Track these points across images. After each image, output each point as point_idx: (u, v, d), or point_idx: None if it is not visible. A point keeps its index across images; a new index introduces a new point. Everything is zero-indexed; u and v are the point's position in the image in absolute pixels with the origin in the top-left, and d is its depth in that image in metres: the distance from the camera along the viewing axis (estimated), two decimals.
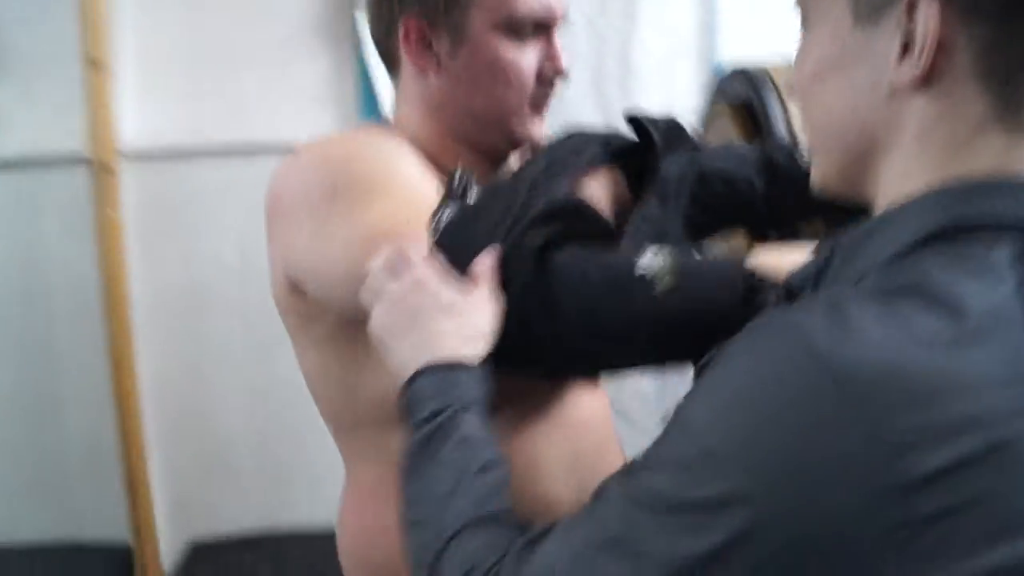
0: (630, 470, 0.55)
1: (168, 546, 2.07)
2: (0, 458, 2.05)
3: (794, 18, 0.61)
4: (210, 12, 1.99)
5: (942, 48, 0.52)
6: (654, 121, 0.97)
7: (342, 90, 2.03)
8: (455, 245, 0.77)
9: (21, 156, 1.95)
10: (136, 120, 1.98)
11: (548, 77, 0.94)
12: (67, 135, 1.91)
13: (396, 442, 0.91)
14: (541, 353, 0.78)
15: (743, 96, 1.48)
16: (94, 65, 1.87)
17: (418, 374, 0.71)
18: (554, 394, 0.99)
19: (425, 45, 0.94)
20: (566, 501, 0.96)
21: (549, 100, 0.96)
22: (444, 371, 0.71)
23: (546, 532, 0.59)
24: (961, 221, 0.53)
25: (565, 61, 0.94)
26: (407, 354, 0.73)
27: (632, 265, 0.74)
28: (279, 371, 2.06)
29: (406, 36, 0.94)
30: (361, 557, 1.06)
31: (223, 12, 1.99)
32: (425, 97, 0.95)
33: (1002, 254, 0.51)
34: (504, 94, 0.93)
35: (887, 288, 0.51)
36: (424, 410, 0.70)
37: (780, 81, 1.41)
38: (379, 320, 0.74)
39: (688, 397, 0.55)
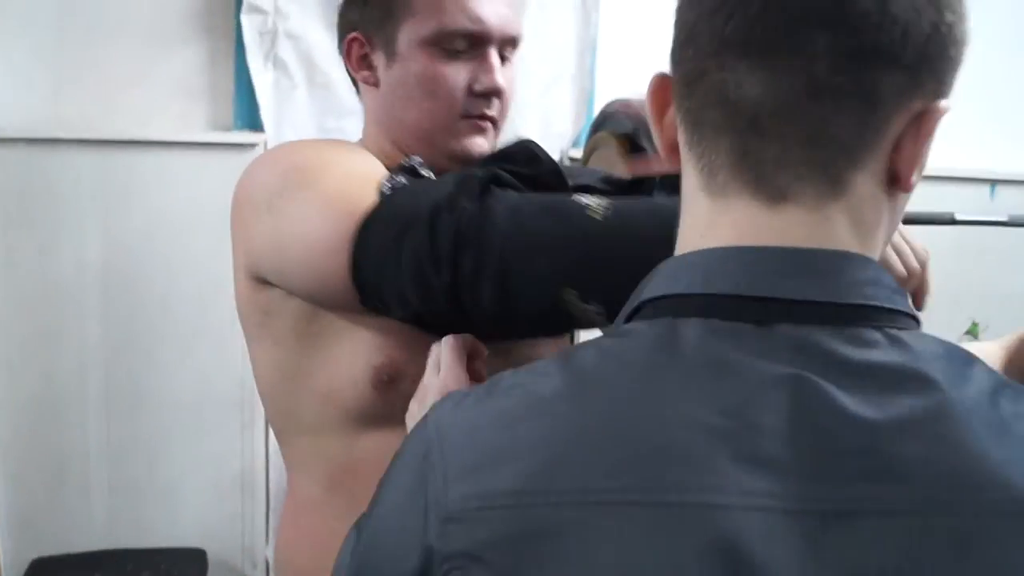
0: None
1: (10, 564, 1.92)
2: None
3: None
4: (84, 1, 1.89)
5: (673, 125, 0.57)
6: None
7: (217, 87, 1.96)
8: (405, 197, 0.82)
9: None
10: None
11: (480, 92, 0.95)
12: None
13: (333, 452, 0.98)
14: (485, 296, 0.79)
15: (626, 126, 1.52)
16: None
17: None
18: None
19: (365, 61, 0.98)
20: None
21: (490, 115, 0.96)
22: None
23: None
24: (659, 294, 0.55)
25: (501, 79, 0.95)
26: None
27: (570, 197, 0.80)
28: (136, 380, 1.97)
29: (348, 52, 0.99)
30: (292, 563, 1.07)
31: (98, 3, 1.89)
32: (373, 111, 1.00)
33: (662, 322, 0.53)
34: (432, 107, 0.95)
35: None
36: None
37: None
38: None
39: None
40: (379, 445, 0.92)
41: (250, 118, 1.92)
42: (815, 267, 0.52)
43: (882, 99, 0.51)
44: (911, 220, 0.89)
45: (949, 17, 0.51)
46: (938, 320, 0.79)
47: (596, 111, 1.69)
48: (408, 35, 0.94)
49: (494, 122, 0.98)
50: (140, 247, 1.94)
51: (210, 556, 1.99)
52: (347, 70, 1.01)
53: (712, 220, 0.55)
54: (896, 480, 0.47)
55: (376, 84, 0.98)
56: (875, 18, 0.49)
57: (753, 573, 0.45)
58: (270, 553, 1.99)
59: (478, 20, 0.94)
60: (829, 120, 0.51)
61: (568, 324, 0.85)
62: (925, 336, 0.53)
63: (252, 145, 1.91)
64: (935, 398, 0.49)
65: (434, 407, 0.57)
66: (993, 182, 2.43)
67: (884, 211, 0.54)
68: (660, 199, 0.80)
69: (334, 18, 1.88)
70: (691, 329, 0.51)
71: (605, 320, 0.77)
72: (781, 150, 0.52)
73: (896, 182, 0.53)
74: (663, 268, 0.56)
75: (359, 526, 0.62)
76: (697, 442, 0.48)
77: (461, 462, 0.52)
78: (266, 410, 1.05)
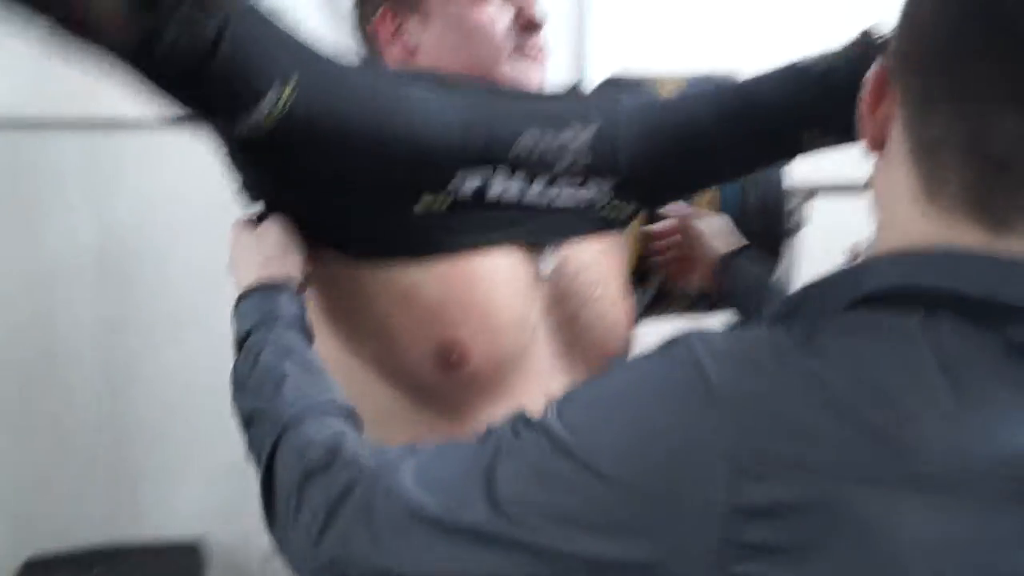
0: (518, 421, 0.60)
1: (3, 564, 1.89)
2: None
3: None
4: None
5: (888, 120, 0.57)
6: None
7: None
8: None
9: None
10: None
11: (524, 24, 0.96)
12: None
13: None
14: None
15: None
16: None
17: (238, 300, 0.87)
18: None
19: (398, 33, 0.98)
20: None
21: (535, 47, 0.97)
22: (255, 294, 0.86)
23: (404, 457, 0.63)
24: (889, 290, 0.55)
25: (537, 11, 0.96)
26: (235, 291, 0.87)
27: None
28: (134, 366, 1.93)
29: (378, 32, 0.99)
30: None
31: None
32: None
33: (911, 320, 0.53)
34: (478, 52, 0.94)
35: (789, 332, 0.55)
36: (243, 328, 0.84)
37: (666, 94, 1.42)
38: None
39: (577, 388, 0.60)
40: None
41: None
42: None
43: None
44: None
45: None
46: None
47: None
48: None
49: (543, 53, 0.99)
50: (131, 227, 1.89)
51: (209, 544, 1.96)
52: (374, 60, 1.00)
53: (930, 230, 0.55)
54: None
55: (415, 51, 0.97)
56: None
57: None
58: (268, 538, 1.96)
59: None
60: None
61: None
62: None
63: None
64: None
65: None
66: None
67: None
68: None
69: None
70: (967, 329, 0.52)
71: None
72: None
73: None
74: (883, 262, 0.57)
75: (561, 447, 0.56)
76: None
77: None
78: None
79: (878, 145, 0.60)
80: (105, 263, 1.89)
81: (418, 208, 0.86)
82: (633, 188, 0.97)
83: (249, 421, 0.77)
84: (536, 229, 0.92)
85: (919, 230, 0.56)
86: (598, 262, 0.98)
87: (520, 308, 0.91)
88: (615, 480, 0.52)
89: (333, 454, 0.66)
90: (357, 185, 0.84)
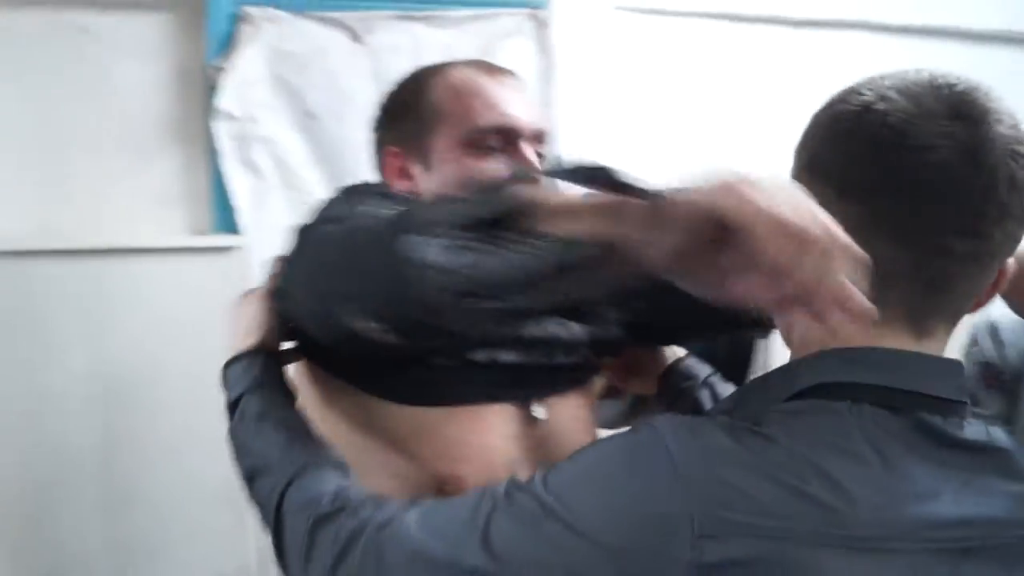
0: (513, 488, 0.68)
1: None
2: None
3: None
4: (58, 105, 1.94)
5: None
6: None
7: (194, 192, 2.01)
8: None
9: None
10: None
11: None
12: None
13: None
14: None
15: None
16: None
17: (224, 367, 0.97)
18: None
19: (404, 173, 1.02)
20: None
21: None
22: (240, 361, 0.95)
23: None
24: (822, 384, 0.66)
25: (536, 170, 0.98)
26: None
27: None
28: (132, 481, 1.98)
29: (387, 167, 1.04)
30: None
31: (71, 104, 1.94)
32: None
33: (843, 404, 0.65)
34: None
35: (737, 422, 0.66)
36: (234, 393, 0.93)
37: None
38: None
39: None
40: None
41: (227, 221, 1.97)
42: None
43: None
44: None
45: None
46: None
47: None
48: (442, 140, 0.99)
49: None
50: (126, 352, 1.96)
51: None
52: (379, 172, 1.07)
53: (865, 335, 0.67)
54: None
55: (417, 193, 1.01)
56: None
57: None
58: None
59: (507, 115, 0.99)
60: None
61: (360, 341, 0.77)
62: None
63: (230, 248, 1.95)
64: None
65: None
66: None
67: None
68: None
69: (304, 121, 1.97)
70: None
71: (394, 339, 0.73)
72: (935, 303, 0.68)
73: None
74: (818, 360, 0.68)
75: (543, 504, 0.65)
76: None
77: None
78: None
79: None
80: (101, 386, 1.95)
81: (437, 360, 0.93)
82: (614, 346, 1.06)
83: (252, 477, 0.86)
84: (537, 388, 0.99)
85: (853, 333, 0.66)
86: (579, 404, 1.05)
87: (514, 450, 0.97)
88: (595, 540, 0.61)
89: (340, 504, 0.76)
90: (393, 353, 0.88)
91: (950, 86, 0.66)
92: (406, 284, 0.65)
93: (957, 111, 0.64)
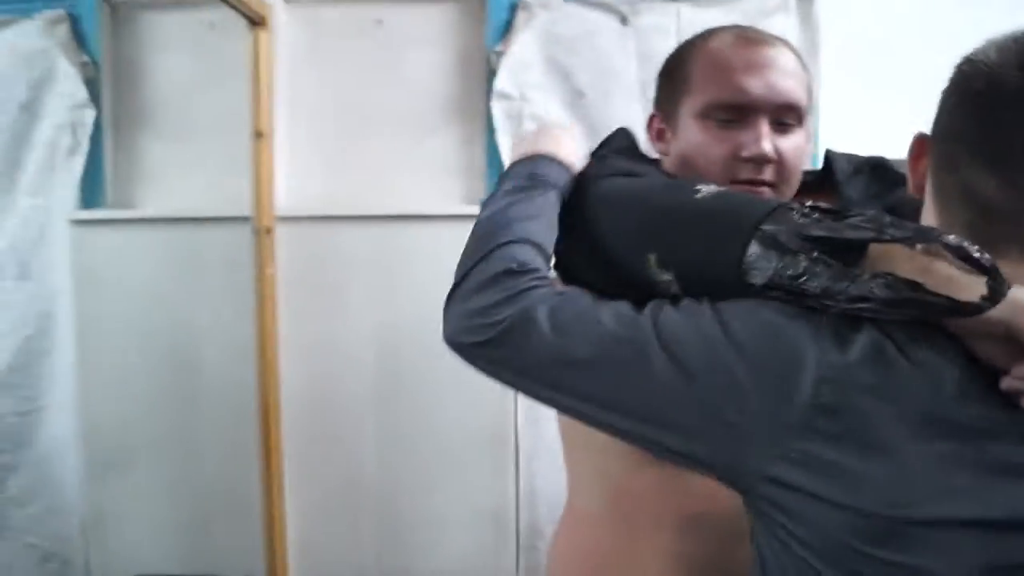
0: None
1: None
2: (153, 498, 2.24)
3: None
4: (355, 89, 2.21)
5: (923, 173, 0.81)
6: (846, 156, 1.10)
7: (472, 165, 2.21)
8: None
9: (188, 214, 2.19)
10: (289, 186, 2.20)
11: (746, 158, 1.01)
12: (229, 198, 2.14)
13: (616, 474, 1.08)
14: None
15: None
16: (259, 136, 2.10)
17: (541, 156, 1.01)
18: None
19: (660, 135, 1.10)
20: None
21: (761, 179, 1.02)
22: (556, 163, 1.01)
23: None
24: None
25: (768, 145, 1.01)
26: (532, 147, 1.04)
27: (690, 181, 0.92)
28: (403, 423, 2.23)
29: (649, 127, 1.12)
30: (562, 573, 1.18)
31: (366, 89, 2.20)
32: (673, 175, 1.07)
33: None
34: (707, 172, 1.02)
35: None
36: (524, 172, 1.00)
37: None
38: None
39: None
40: (660, 476, 1.02)
41: None
42: None
43: None
44: None
45: None
46: None
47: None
48: (686, 109, 1.04)
49: (771, 186, 1.03)
50: (409, 307, 2.19)
51: None
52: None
53: None
54: None
55: (668, 154, 1.09)
56: None
57: None
58: None
59: (743, 92, 1.01)
60: None
61: (647, 288, 0.87)
62: None
63: None
64: None
65: None
66: None
67: None
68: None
69: (573, 100, 2.11)
70: None
71: (678, 290, 0.84)
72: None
73: None
74: None
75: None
76: None
77: None
78: (559, 425, 1.17)
79: (919, 190, 0.81)
80: (384, 337, 2.21)
81: None
82: None
83: (487, 226, 0.97)
84: None
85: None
86: None
87: None
88: (744, 352, 0.76)
89: (533, 272, 0.90)
90: None
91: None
92: (736, 267, 0.78)
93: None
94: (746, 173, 1.01)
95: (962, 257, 0.70)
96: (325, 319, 2.22)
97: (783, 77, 1.03)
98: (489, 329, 0.88)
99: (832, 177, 1.08)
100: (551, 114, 2.11)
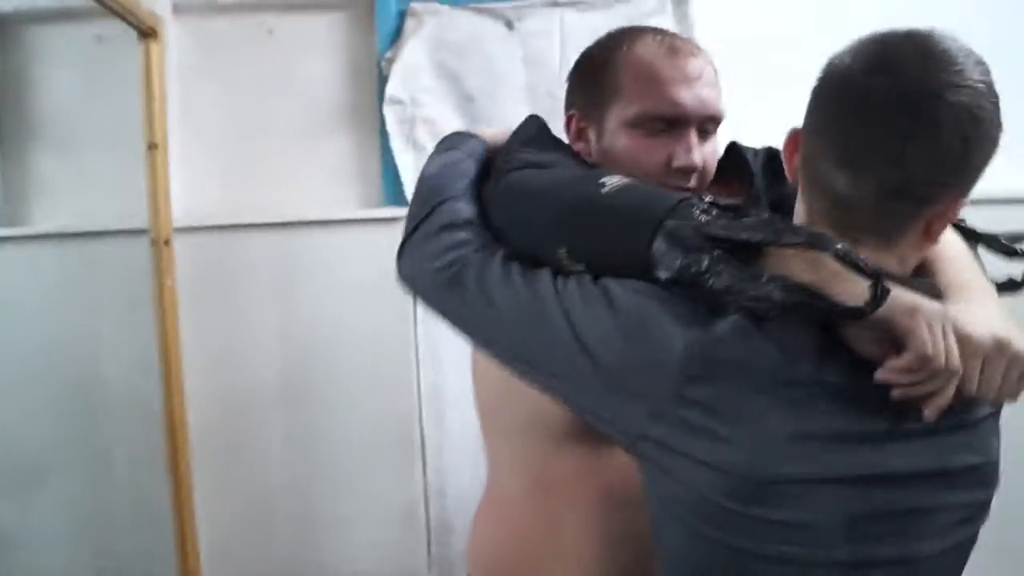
0: None
1: None
2: (62, 513, 2.23)
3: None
4: (248, 98, 2.23)
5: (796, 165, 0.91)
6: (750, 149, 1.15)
7: (366, 170, 2.25)
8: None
9: (82, 229, 2.19)
10: (184, 196, 2.20)
11: (676, 168, 1.04)
12: (124, 210, 2.15)
13: (536, 459, 1.12)
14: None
15: None
16: (152, 148, 2.10)
17: (465, 132, 1.19)
18: None
19: (582, 135, 1.11)
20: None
21: (688, 187, 1.05)
22: (476, 138, 1.18)
23: None
24: None
25: (698, 156, 1.05)
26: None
27: (596, 173, 0.97)
28: (311, 427, 2.26)
29: (567, 126, 1.13)
30: (485, 557, 1.22)
31: (260, 98, 2.23)
32: None
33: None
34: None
35: None
36: (452, 143, 1.18)
37: None
38: None
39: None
40: (580, 458, 1.07)
41: (395, 195, 2.20)
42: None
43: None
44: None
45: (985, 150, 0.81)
46: None
47: None
48: (615, 116, 1.06)
49: (694, 191, 1.05)
50: (309, 311, 2.23)
51: None
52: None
53: None
54: None
55: (590, 155, 1.10)
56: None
57: None
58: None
59: (676, 105, 1.03)
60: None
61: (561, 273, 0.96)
62: None
63: (399, 219, 2.16)
64: None
65: None
66: None
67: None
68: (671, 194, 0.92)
69: (462, 103, 2.16)
70: None
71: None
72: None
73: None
74: None
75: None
76: None
77: None
78: (479, 412, 1.20)
79: (794, 178, 0.90)
80: (288, 342, 2.24)
81: None
82: None
83: (430, 183, 1.10)
84: None
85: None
86: None
87: None
88: (626, 328, 0.85)
89: (469, 224, 1.02)
90: None
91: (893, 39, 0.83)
92: (643, 261, 0.85)
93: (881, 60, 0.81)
94: (675, 181, 1.05)
95: (849, 264, 0.78)
96: (228, 327, 2.24)
97: (710, 89, 1.07)
98: (434, 275, 1.00)
99: (739, 167, 1.14)
100: (442, 118, 2.16)
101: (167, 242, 2.13)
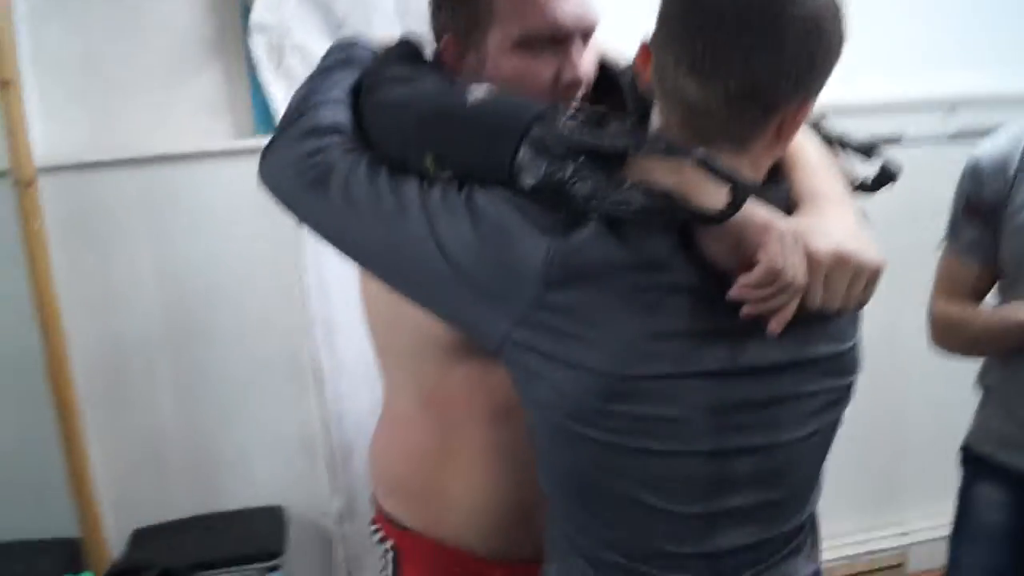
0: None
1: (115, 536, 2.23)
2: None
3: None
4: (109, 34, 2.11)
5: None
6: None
7: (236, 102, 2.18)
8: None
9: None
10: (50, 137, 2.11)
11: (564, 84, 1.06)
12: None
13: (426, 377, 1.15)
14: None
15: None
16: (5, 85, 1.99)
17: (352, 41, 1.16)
18: None
19: (459, 60, 1.10)
20: None
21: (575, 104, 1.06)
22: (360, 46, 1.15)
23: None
24: None
25: (582, 70, 1.06)
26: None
27: (462, 84, 0.99)
28: (199, 363, 2.24)
29: (445, 51, 1.11)
30: (386, 475, 1.26)
31: (121, 33, 2.11)
32: None
33: None
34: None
35: None
36: (337, 51, 1.15)
37: None
38: None
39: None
40: (468, 375, 1.11)
41: (268, 124, 2.15)
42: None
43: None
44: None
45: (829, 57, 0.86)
46: None
47: None
48: (495, 39, 1.05)
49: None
50: (187, 247, 2.19)
51: (287, 510, 2.28)
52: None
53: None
54: None
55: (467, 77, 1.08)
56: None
57: None
58: (337, 502, 2.26)
59: (557, 21, 1.04)
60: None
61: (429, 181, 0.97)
62: None
63: None
64: None
65: None
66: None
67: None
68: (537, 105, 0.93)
69: (333, 30, 2.12)
70: None
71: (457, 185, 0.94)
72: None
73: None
74: None
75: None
76: None
77: None
78: (371, 334, 1.22)
79: (649, 90, 0.93)
80: (167, 279, 2.20)
81: None
82: None
83: (303, 90, 1.09)
84: None
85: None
86: None
87: None
88: (489, 236, 0.89)
89: (336, 129, 1.02)
90: None
91: None
92: (508, 169, 0.88)
93: None
94: (563, 97, 1.06)
95: (708, 170, 0.83)
96: (104, 269, 2.18)
97: (585, 2, 1.07)
98: (296, 177, 1.00)
99: (609, 80, 1.15)
100: (313, 44, 2.12)
101: (30, 183, 2.04)
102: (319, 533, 2.34)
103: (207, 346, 2.24)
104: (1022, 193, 1.54)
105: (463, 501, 1.18)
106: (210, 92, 2.18)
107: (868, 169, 1.03)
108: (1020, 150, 1.54)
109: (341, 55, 1.12)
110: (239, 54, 2.16)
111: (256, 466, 2.31)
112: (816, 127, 1.05)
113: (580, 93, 1.08)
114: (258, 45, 2.09)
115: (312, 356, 2.21)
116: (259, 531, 2.19)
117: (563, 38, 1.05)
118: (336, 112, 1.04)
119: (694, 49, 0.85)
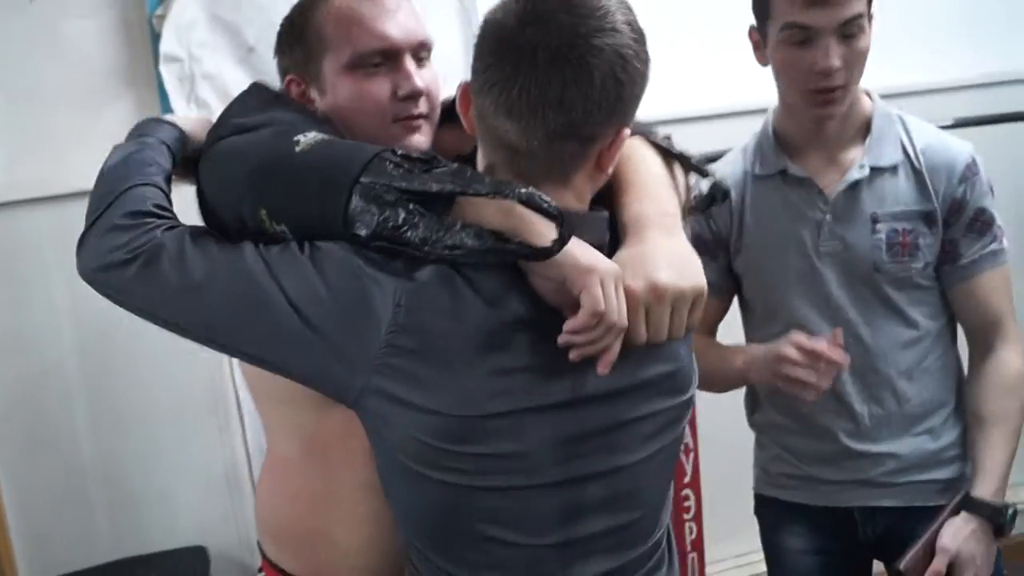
0: None
1: None
2: None
3: None
4: (15, 68, 2.09)
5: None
6: None
7: None
8: None
9: None
10: None
11: (403, 96, 1.09)
12: None
13: (305, 422, 1.13)
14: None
15: None
16: None
17: (153, 120, 1.14)
18: None
19: (305, 97, 1.13)
20: None
21: (418, 113, 1.10)
22: (165, 124, 1.13)
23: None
24: None
25: (420, 80, 1.09)
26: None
27: (291, 133, 0.97)
28: (118, 402, 2.19)
29: (288, 91, 1.14)
30: (270, 521, 1.22)
31: (28, 67, 2.09)
32: None
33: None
34: (365, 121, 1.09)
35: None
36: (138, 133, 1.12)
37: None
38: None
39: None
40: (344, 417, 1.05)
41: None
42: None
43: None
44: None
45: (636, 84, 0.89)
46: None
47: None
48: (330, 67, 1.09)
49: (425, 118, 1.11)
50: None
51: (210, 551, 2.20)
52: None
53: None
54: None
55: (316, 113, 1.11)
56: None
57: None
58: None
59: (385, 37, 1.08)
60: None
61: (266, 239, 0.95)
62: None
63: None
64: None
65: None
66: None
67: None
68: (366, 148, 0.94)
69: (243, 55, 2.11)
70: None
71: (295, 240, 0.93)
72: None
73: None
74: None
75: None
76: None
77: None
78: (246, 382, 1.21)
79: (472, 131, 0.95)
80: (82, 318, 2.15)
81: None
82: None
83: (109, 175, 1.05)
84: None
85: None
86: None
87: None
88: (334, 290, 0.88)
89: (157, 209, 0.98)
90: None
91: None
92: (342, 220, 0.87)
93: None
94: (405, 111, 1.09)
95: (533, 207, 0.84)
96: (17, 310, 2.13)
97: (412, 18, 1.12)
98: (123, 265, 0.94)
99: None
100: (224, 72, 2.11)
101: None
102: (243, 573, 2.27)
103: (127, 383, 2.19)
104: (749, 226, 1.49)
105: (349, 544, 1.15)
106: (124, 124, 2.12)
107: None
108: (742, 176, 1.50)
109: (148, 133, 1.10)
110: (151, 84, 2.13)
111: (178, 504, 2.24)
112: (657, 146, 1.07)
113: (425, 107, 1.11)
114: (168, 75, 2.08)
115: (235, 390, 2.17)
116: (181, 574, 2.11)
117: (394, 54, 1.09)
118: (153, 190, 1.01)
119: (510, 94, 0.87)
